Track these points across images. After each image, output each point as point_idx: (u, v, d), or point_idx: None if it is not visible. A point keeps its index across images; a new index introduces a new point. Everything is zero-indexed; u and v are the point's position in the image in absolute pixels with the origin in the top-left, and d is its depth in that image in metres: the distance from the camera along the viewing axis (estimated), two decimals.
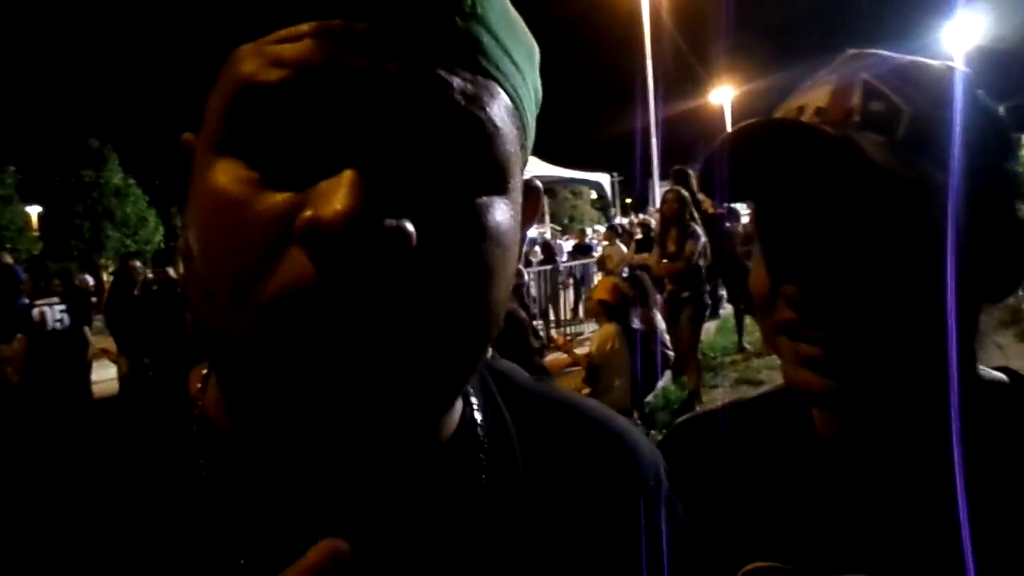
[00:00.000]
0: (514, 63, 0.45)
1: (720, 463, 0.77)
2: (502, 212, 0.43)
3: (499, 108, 0.42)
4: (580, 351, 5.85)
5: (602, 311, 5.48)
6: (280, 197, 0.38)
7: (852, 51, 0.67)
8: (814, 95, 0.65)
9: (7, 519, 0.44)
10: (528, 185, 0.51)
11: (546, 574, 0.51)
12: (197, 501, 0.46)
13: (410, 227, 0.37)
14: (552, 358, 5.97)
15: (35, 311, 6.10)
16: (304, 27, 0.39)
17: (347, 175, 0.37)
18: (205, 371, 0.51)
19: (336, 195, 0.36)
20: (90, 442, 0.48)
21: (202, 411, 0.49)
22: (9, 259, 12.81)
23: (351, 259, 0.36)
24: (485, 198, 0.42)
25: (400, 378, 0.40)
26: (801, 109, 0.65)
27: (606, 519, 0.56)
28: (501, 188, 0.44)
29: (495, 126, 0.42)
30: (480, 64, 0.41)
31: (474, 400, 0.55)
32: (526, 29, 0.48)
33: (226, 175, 0.40)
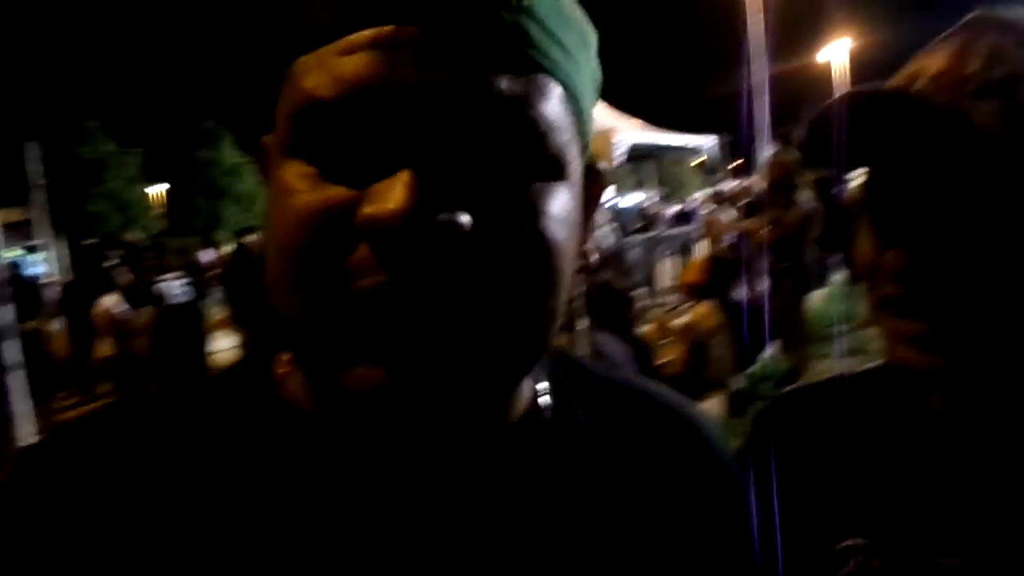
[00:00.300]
0: (566, 50, 0.45)
1: (822, 437, 0.76)
2: (558, 198, 0.45)
3: (550, 100, 0.43)
4: (680, 321, 5.76)
5: (693, 293, 5.40)
6: (343, 195, 0.41)
7: (978, 12, 0.64)
8: (933, 60, 0.62)
9: (99, 496, 0.48)
10: (591, 169, 0.52)
11: (609, 555, 0.52)
12: (279, 480, 0.48)
13: (462, 218, 0.39)
14: (649, 328, 5.91)
15: (158, 286, 6.49)
16: (358, 37, 0.41)
17: (402, 175, 0.39)
18: (289, 356, 0.53)
19: (392, 193, 0.39)
20: (180, 426, 0.51)
21: (285, 393, 0.52)
22: (136, 237, 13.68)
23: (408, 251, 0.39)
24: (540, 185, 0.44)
25: (465, 359, 0.42)
26: (918, 74, 0.62)
27: (672, 504, 0.56)
28: (556, 175, 0.45)
29: (546, 120, 0.43)
30: (529, 57, 0.42)
31: (542, 385, 0.57)
32: (580, 15, 0.49)
33: (293, 176, 0.43)
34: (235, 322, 8.01)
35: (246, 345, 7.31)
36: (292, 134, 0.44)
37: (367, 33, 0.41)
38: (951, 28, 0.64)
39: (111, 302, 6.91)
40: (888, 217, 0.63)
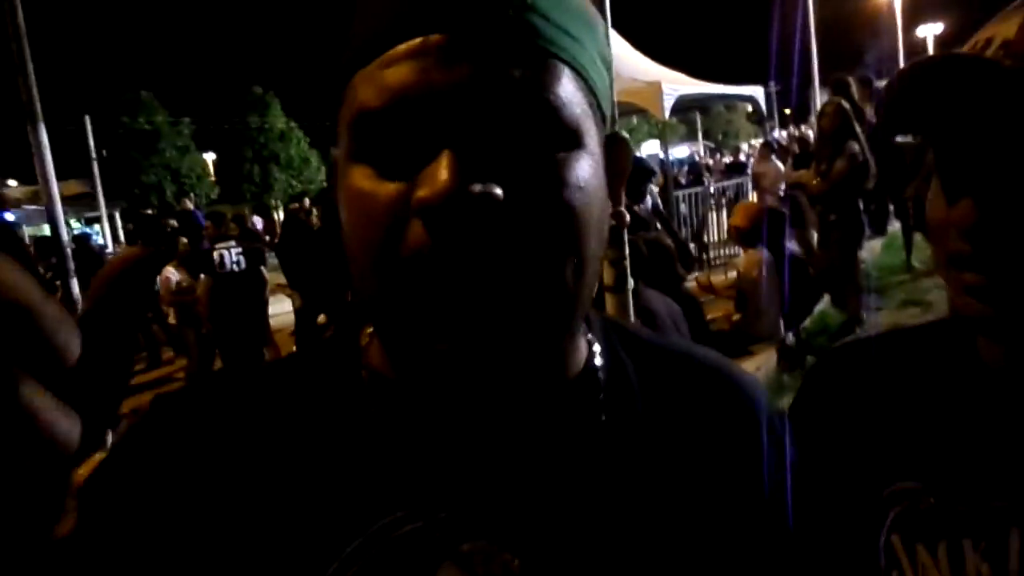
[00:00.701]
0: (572, 36, 0.51)
1: (874, 388, 0.79)
2: (580, 164, 0.51)
3: (560, 80, 0.50)
4: (732, 275, 5.73)
5: (737, 237, 5.33)
6: (398, 186, 0.49)
7: None
8: (1003, 28, 0.64)
9: (203, 453, 0.55)
10: (615, 137, 0.59)
11: (659, 505, 0.57)
12: (367, 435, 0.56)
13: (496, 189, 0.46)
14: (696, 284, 5.87)
15: (215, 254, 6.63)
16: (395, 52, 0.49)
17: (443, 160, 0.46)
18: (371, 328, 0.62)
19: (436, 177, 0.46)
20: (280, 391, 0.60)
21: (369, 362, 0.60)
22: (191, 205, 13.99)
23: (452, 222, 0.46)
24: (561, 156, 0.50)
25: (513, 313, 0.48)
26: (988, 41, 0.65)
27: (718, 457, 0.61)
28: (576, 144, 0.51)
29: (559, 98, 0.49)
30: (538, 46, 0.49)
31: (596, 348, 0.63)
32: (583, 3, 0.54)
33: (358, 177, 0.51)
34: (290, 287, 8.18)
35: (301, 309, 7.48)
36: (352, 141, 0.51)
37: (401, 47, 0.48)
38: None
39: (170, 271, 7.11)
40: (957, 177, 0.65)
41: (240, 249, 6.70)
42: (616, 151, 0.58)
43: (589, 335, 0.63)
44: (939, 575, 0.70)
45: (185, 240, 7.53)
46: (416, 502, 0.54)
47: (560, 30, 0.50)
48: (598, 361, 0.62)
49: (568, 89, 0.50)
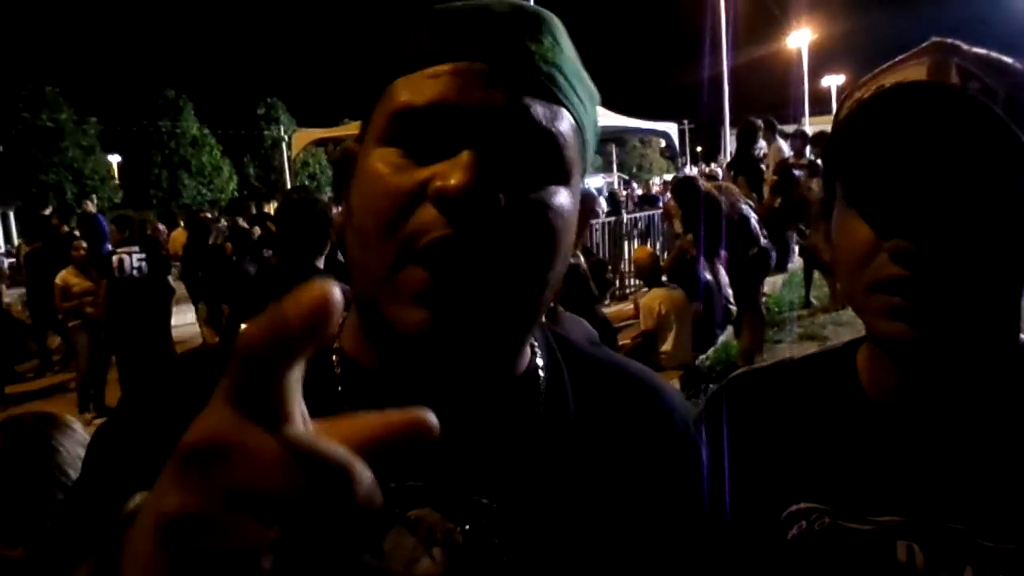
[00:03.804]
0: (578, 97, 0.62)
1: (769, 414, 0.84)
2: (565, 196, 0.61)
3: (566, 126, 0.60)
4: (630, 307, 5.86)
5: (641, 279, 5.51)
6: (418, 172, 0.57)
7: (935, 39, 0.72)
8: (910, 73, 0.69)
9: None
10: (586, 192, 0.68)
11: (587, 490, 0.65)
12: (326, 415, 0.60)
13: (500, 195, 0.56)
14: (614, 310, 5.99)
15: (114, 258, 6.35)
16: (440, 68, 0.58)
17: (464, 158, 0.55)
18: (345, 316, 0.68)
19: (456, 171, 0.55)
20: None
21: (341, 349, 0.67)
22: (93, 208, 13.38)
23: (463, 212, 0.55)
24: (554, 186, 0.60)
25: (486, 297, 0.56)
26: (901, 84, 0.69)
27: (640, 451, 0.69)
28: (565, 180, 0.61)
29: (563, 138, 0.60)
30: (555, 95, 0.60)
31: (538, 352, 0.71)
32: (588, 78, 0.66)
33: (385, 157, 0.59)
34: (195, 296, 7.92)
35: (207, 321, 7.25)
36: (388, 128, 0.60)
37: (447, 66, 0.58)
38: (909, 53, 0.72)
39: (69, 273, 6.78)
40: (894, 209, 0.68)
41: (143, 255, 6.43)
42: (586, 202, 0.67)
43: (533, 341, 0.70)
44: None
45: (84, 244, 7.19)
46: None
47: (572, 89, 0.61)
48: (539, 362, 0.70)
49: (570, 133, 0.60)
